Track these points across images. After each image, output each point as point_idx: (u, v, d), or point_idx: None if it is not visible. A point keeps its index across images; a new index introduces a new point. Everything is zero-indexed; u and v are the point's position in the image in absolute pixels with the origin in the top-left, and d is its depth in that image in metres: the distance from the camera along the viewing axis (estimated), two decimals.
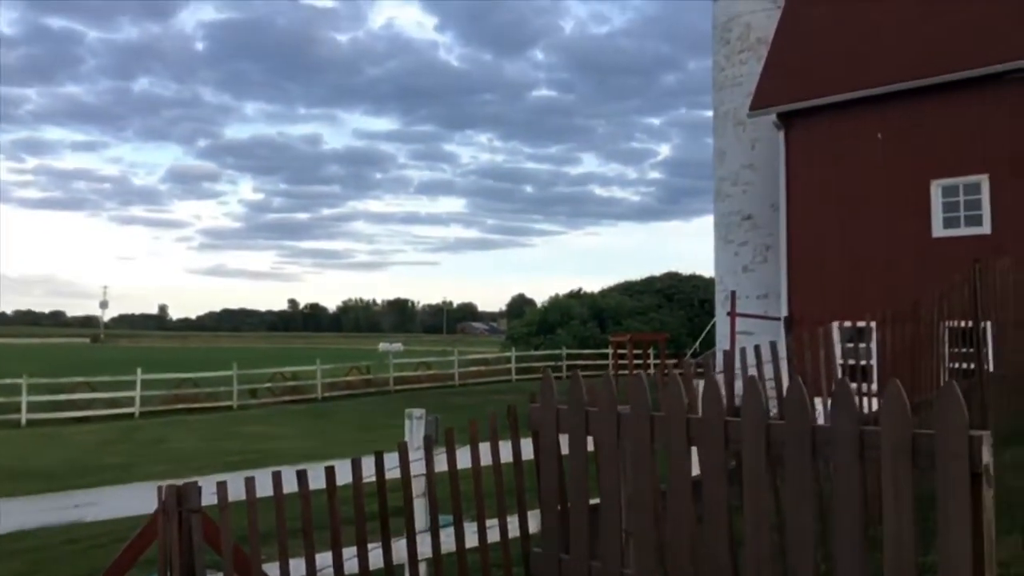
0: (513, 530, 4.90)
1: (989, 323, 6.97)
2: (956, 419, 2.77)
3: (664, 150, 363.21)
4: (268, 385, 32.91)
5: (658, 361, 27.53)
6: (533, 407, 4.40)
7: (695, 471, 3.71)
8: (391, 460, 4.58)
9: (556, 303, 52.64)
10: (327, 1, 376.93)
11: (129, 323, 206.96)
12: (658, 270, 58.25)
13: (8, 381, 26.91)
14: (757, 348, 5.25)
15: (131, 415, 27.59)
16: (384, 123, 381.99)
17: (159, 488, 4.12)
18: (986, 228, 16.18)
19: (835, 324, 7.30)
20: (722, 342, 22.19)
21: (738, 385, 4.38)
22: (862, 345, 6.21)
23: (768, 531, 3.37)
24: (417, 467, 4.87)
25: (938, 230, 16.85)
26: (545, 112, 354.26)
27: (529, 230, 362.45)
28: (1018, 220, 15.69)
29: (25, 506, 5.03)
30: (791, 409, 3.25)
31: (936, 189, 16.90)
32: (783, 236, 19.32)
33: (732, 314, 19.36)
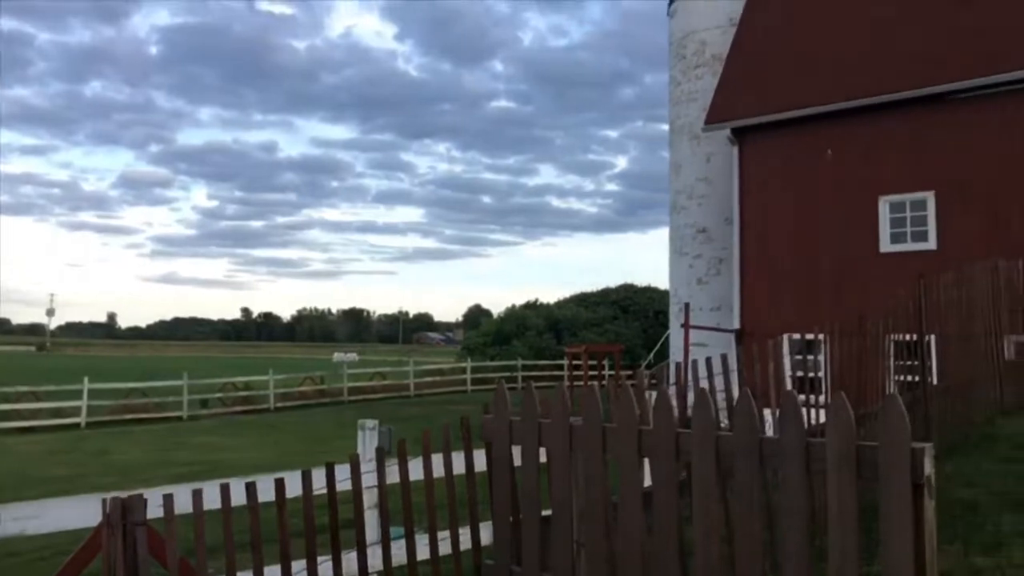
0: (465, 542, 4.89)
1: (933, 336, 7.14)
2: (899, 431, 2.83)
3: (621, 162, 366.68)
4: (219, 395, 32.40)
5: (613, 372, 27.68)
6: (486, 418, 4.40)
7: (648, 482, 3.74)
8: (343, 472, 4.54)
9: (512, 314, 52.68)
10: (285, 8, 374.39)
11: (76, 331, 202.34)
12: (614, 282, 58.63)
13: None
14: (708, 360, 5.31)
15: (77, 425, 26.96)
16: (341, 131, 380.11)
17: (104, 500, 4.04)
18: (932, 244, 16.58)
19: (785, 336, 7.43)
20: (676, 354, 22.40)
21: (691, 397, 4.43)
22: (811, 357, 6.32)
23: (718, 541, 3.40)
24: (369, 479, 4.83)
25: (886, 245, 17.23)
26: (503, 123, 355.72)
27: (486, 240, 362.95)
28: (962, 236, 16.11)
29: None
30: (740, 421, 3.30)
31: (884, 205, 17.29)
32: (736, 249, 19.60)
33: (686, 326, 19.54)
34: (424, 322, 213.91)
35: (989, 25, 16.55)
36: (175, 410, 29.43)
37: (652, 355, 33.93)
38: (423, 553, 4.83)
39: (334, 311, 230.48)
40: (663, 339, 29.39)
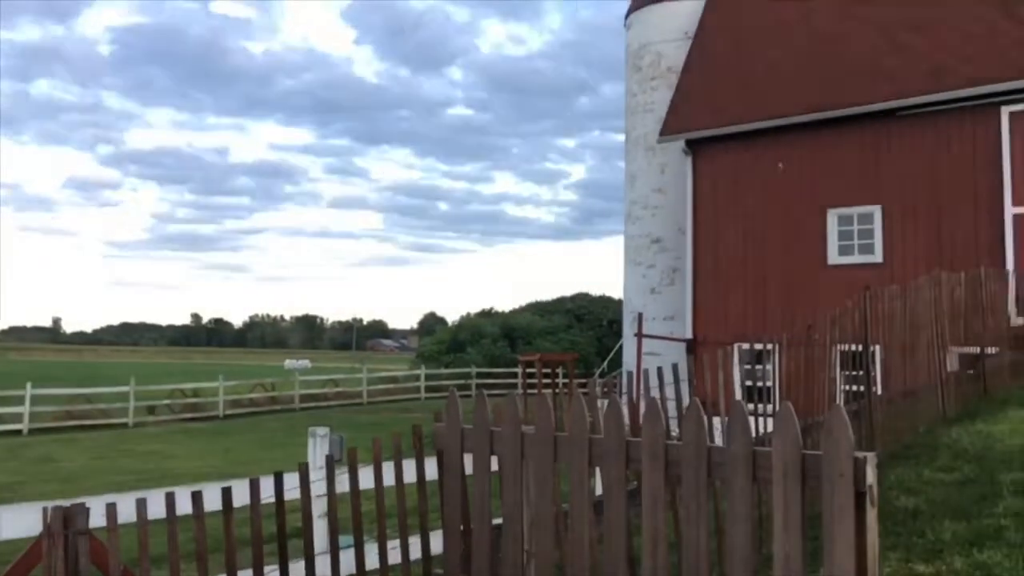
0: (415, 551, 4.86)
1: (878, 347, 7.30)
2: (842, 441, 2.89)
3: (578, 172, 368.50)
4: (167, 402, 31.79)
5: (567, 381, 27.79)
6: (438, 427, 4.39)
7: (600, 491, 3.76)
8: (292, 480, 4.49)
9: (467, 322, 52.69)
10: (241, 11, 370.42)
11: (19, 336, 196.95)
12: (570, 290, 59.02)
13: None
14: (659, 370, 5.36)
15: (19, 432, 26.23)
16: (297, 136, 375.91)
17: (45, 509, 3.95)
18: (878, 257, 16.96)
19: (736, 346, 7.53)
20: (629, 363, 22.57)
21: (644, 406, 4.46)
22: (759, 367, 6.41)
23: (666, 549, 3.43)
24: (319, 487, 4.78)
25: (834, 257, 17.58)
26: (461, 130, 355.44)
27: (442, 248, 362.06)
28: (906, 249, 16.52)
29: None
30: (688, 430, 3.33)
31: (832, 218, 17.64)
32: (689, 259, 19.84)
33: (639, 335, 19.71)
34: (378, 329, 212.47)
35: (936, 44, 17.02)
36: (121, 417, 28.80)
37: (606, 364, 34.12)
38: (372, 562, 4.79)
39: (286, 317, 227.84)
40: (617, 348, 29.60)
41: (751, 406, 6.08)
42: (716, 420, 4.87)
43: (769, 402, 6.19)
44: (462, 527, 4.27)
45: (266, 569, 4.33)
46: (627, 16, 25.03)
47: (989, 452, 6.31)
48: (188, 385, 34.29)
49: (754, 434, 5.33)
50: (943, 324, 8.43)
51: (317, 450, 5.79)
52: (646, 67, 23.84)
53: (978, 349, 9.28)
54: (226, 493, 4.24)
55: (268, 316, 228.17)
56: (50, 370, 61.81)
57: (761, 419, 5.82)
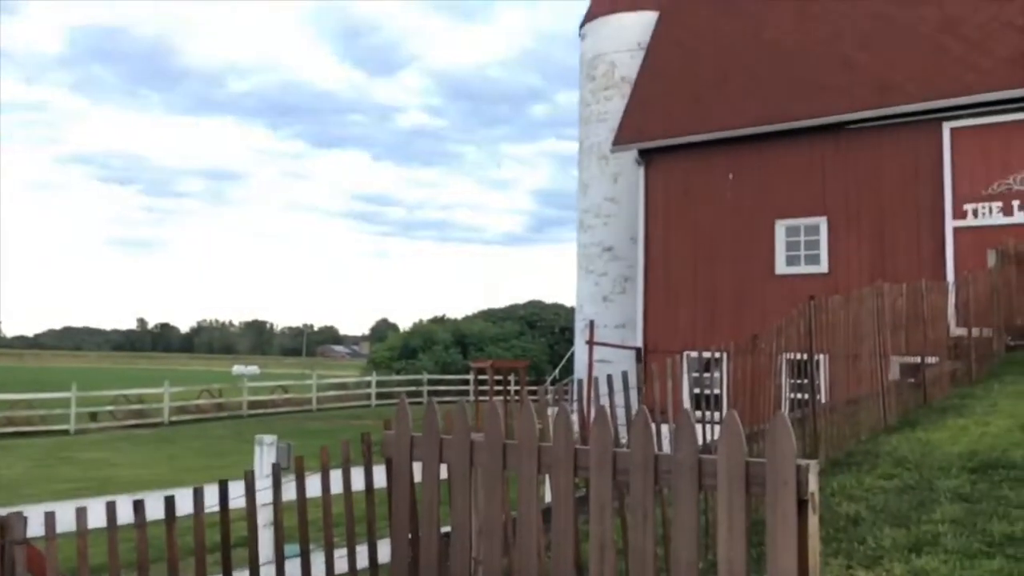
0: (362, 560, 4.82)
1: (824, 356, 7.44)
2: (785, 449, 2.93)
3: (532, 179, 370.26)
4: (110, 408, 31.07)
5: (519, 388, 27.81)
6: (387, 434, 4.37)
7: (550, 498, 3.77)
8: (238, 489, 4.43)
9: (419, 328, 52.46)
10: (192, 10, 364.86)
11: None
12: (522, 297, 59.24)
13: None
14: (609, 377, 5.40)
15: None
16: (249, 138, 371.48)
17: None
18: (823, 267, 17.31)
19: (686, 354, 7.62)
20: (581, 370, 22.68)
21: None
22: (707, 375, 6.50)
23: (613, 555, 3.45)
24: (265, 496, 4.72)
25: (781, 267, 17.89)
26: (416, 135, 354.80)
27: (395, 253, 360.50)
28: (851, 260, 16.89)
29: None
30: (636, 438, 3.36)
31: (780, 228, 17.96)
32: (640, 268, 20.03)
33: (591, 343, 19.83)
34: (329, 335, 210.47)
35: (881, 60, 17.44)
36: (62, 423, 28.07)
37: (558, 371, 34.26)
38: (319, 572, 4.74)
39: (235, 322, 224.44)
40: (568, 355, 29.72)
41: (699, 414, 6.15)
42: (665, 428, 4.92)
43: (717, 410, 6.27)
44: (410, 535, 4.25)
45: None
46: (582, 26, 25.23)
47: (928, 460, 6.47)
48: (132, 391, 33.56)
49: (702, 441, 5.40)
50: (885, 334, 8.63)
51: (264, 458, 5.72)
52: (600, 77, 24.05)
53: (919, 359, 9.51)
54: (169, 502, 4.17)
55: (216, 321, 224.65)
56: None
57: (709, 426, 5.89)
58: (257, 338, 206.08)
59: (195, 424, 30.02)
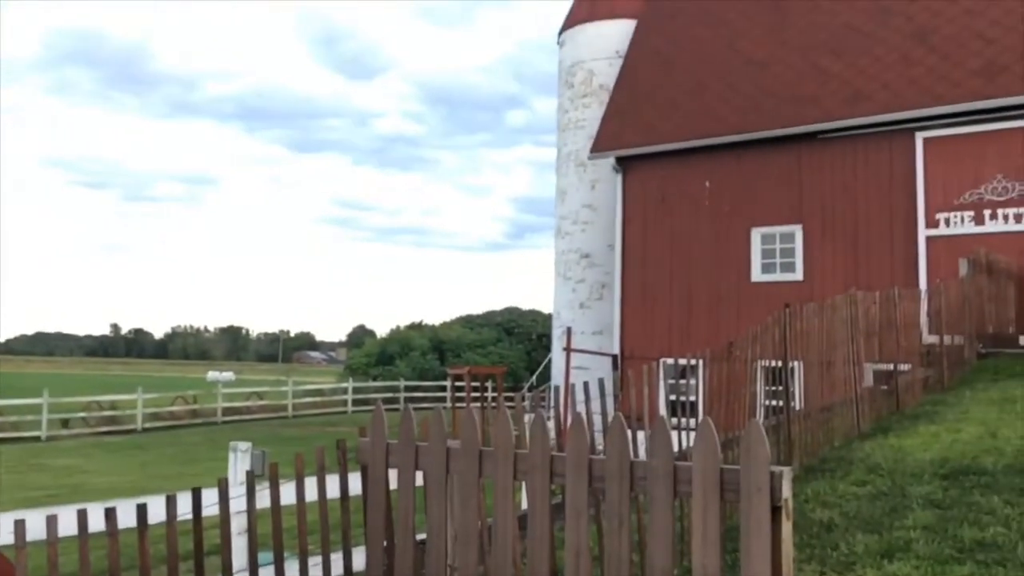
0: (337, 567, 4.79)
1: (799, 363, 7.50)
2: (760, 455, 2.96)
3: (511, 186, 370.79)
4: (82, 415, 30.69)
5: (496, 394, 27.80)
6: (362, 441, 4.35)
7: (526, 505, 3.77)
8: (211, 496, 4.38)
9: (397, 334, 52.35)
10: (169, 14, 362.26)
11: None
12: (500, 304, 59.23)
13: None
14: (586, 384, 5.41)
15: None
16: (227, 142, 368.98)
17: None
18: (799, 275, 17.46)
19: (661, 361, 7.65)
20: (558, 377, 22.70)
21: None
22: (683, 381, 6.52)
23: (588, 562, 3.46)
24: (238, 503, 4.68)
25: (757, 275, 18.03)
26: (394, 141, 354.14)
27: (374, 259, 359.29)
28: (825, 268, 17.05)
29: None
30: (611, 445, 3.37)
31: (756, 236, 18.10)
32: (617, 275, 20.10)
33: (568, 349, 19.86)
34: (306, 341, 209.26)
35: (855, 70, 17.65)
36: (33, 430, 27.69)
37: (535, 378, 34.26)
38: None
39: (210, 328, 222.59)
40: (546, 362, 29.75)
41: (675, 420, 6.18)
42: (641, 434, 4.94)
43: (693, 416, 6.30)
44: (385, 543, 4.23)
45: None
46: (560, 33, 25.32)
47: (900, 466, 6.53)
48: (105, 397, 33.19)
49: (678, 448, 5.42)
50: (859, 341, 8.71)
51: (238, 465, 5.67)
52: (578, 84, 24.14)
53: (892, 366, 9.61)
54: (141, 509, 4.12)
55: (191, 327, 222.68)
56: None
57: (685, 433, 5.91)
58: (232, 344, 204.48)
59: (169, 431, 29.73)
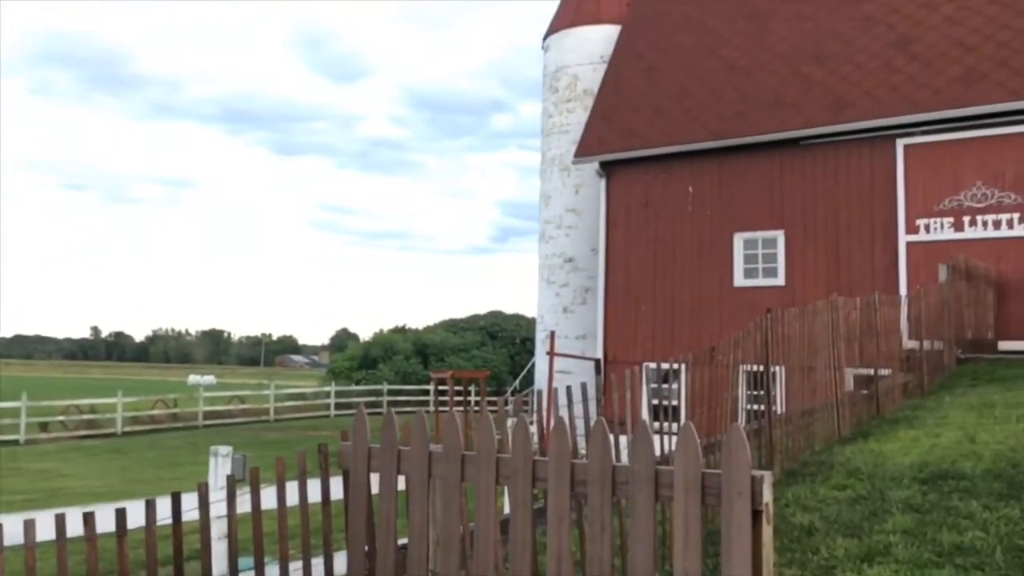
0: (318, 573, 4.77)
1: (780, 368, 7.54)
2: (740, 459, 2.97)
3: (495, 189, 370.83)
4: (61, 418, 30.41)
5: (479, 398, 27.78)
6: (344, 445, 4.33)
7: (508, 509, 3.77)
8: (191, 501, 4.36)
9: (380, 338, 52.15)
10: (151, 15, 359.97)
11: None
12: (484, 308, 59.27)
13: None
14: (568, 388, 5.42)
15: None
16: (209, 145, 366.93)
17: None
18: (780, 280, 17.55)
19: (644, 365, 7.67)
20: (541, 381, 22.71)
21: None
22: (666, 386, 6.54)
23: (570, 566, 3.46)
24: (219, 508, 4.65)
25: (739, 280, 18.11)
26: (379, 144, 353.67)
27: (357, 262, 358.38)
28: (807, 273, 17.16)
29: None
30: (593, 449, 3.37)
31: (739, 241, 18.19)
32: (601, 279, 20.14)
33: (551, 354, 19.86)
34: (288, 344, 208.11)
35: (837, 77, 17.78)
36: (11, 433, 27.42)
37: (518, 382, 34.27)
38: None
39: (191, 331, 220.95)
40: (529, 366, 29.76)
41: (658, 424, 6.19)
42: (624, 439, 4.95)
43: (676, 420, 6.32)
44: (367, 547, 4.22)
45: None
46: (545, 38, 25.37)
47: (880, 470, 6.58)
48: (84, 401, 32.89)
49: (661, 452, 5.43)
50: (839, 346, 8.77)
51: (219, 469, 5.63)
52: (562, 89, 24.20)
53: (872, 370, 9.68)
54: (120, 514, 4.09)
55: (172, 330, 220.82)
56: None
57: (667, 437, 5.93)
58: (214, 347, 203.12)
59: (149, 435, 29.50)
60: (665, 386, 6.57)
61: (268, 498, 4.76)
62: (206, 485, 4.50)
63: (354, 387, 41.85)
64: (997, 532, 4.94)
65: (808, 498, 6.00)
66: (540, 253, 24.68)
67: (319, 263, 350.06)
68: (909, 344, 11.23)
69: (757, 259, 17.98)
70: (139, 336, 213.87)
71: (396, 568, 4.04)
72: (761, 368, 7.19)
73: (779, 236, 17.71)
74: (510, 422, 4.28)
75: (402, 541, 4.06)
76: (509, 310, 54.77)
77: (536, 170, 25.58)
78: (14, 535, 3.87)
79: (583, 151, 20.56)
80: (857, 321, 9.41)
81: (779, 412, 7.31)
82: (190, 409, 33.80)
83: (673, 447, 4.53)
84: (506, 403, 5.21)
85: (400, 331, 56.12)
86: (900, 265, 16.23)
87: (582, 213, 23.00)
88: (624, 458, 4.25)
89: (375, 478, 4.20)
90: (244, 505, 4.70)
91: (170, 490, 4.40)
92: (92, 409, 31.93)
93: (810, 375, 8.00)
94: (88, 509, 4.21)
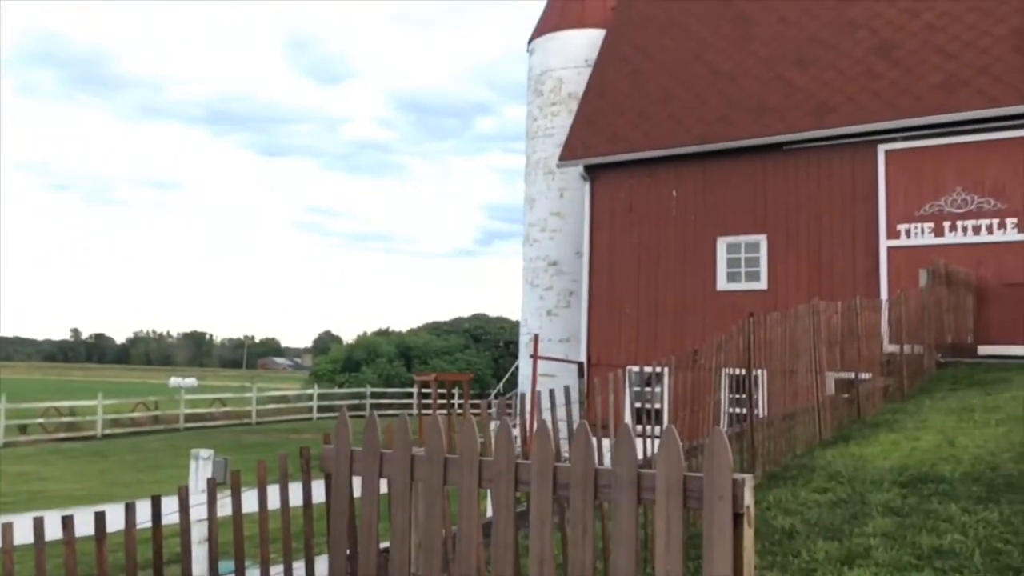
0: None
1: (762, 371, 7.57)
2: (722, 463, 2.98)
3: (480, 192, 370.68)
4: (40, 420, 30.13)
5: (462, 401, 27.73)
6: (326, 448, 4.31)
7: (491, 512, 3.76)
8: (171, 504, 4.33)
9: (363, 341, 52.01)
10: (134, 15, 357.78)
11: None
12: (468, 311, 59.25)
13: None
14: (551, 392, 5.42)
15: None
16: (193, 146, 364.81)
17: None
18: (763, 284, 17.64)
19: (628, 368, 7.69)
20: (525, 384, 22.71)
21: None
22: (648, 389, 6.56)
23: (553, 569, 3.46)
24: (199, 511, 4.62)
25: (722, 284, 18.19)
26: (364, 147, 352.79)
27: (341, 265, 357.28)
28: (789, 277, 17.25)
29: None
30: (576, 452, 3.38)
31: (722, 245, 18.27)
32: (585, 283, 20.17)
33: (535, 357, 19.87)
34: (271, 347, 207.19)
35: (819, 82, 17.90)
36: None
37: (502, 385, 34.26)
38: None
39: (173, 333, 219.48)
40: (513, 369, 29.76)
41: (640, 428, 6.21)
42: (607, 442, 4.96)
43: (658, 424, 6.33)
44: (349, 551, 4.20)
45: None
46: (530, 42, 25.40)
47: (861, 474, 6.62)
48: (64, 403, 32.61)
49: (643, 455, 5.45)
50: (821, 350, 8.82)
51: (199, 472, 5.60)
52: (547, 92, 24.23)
53: (853, 374, 9.74)
54: (99, 517, 4.05)
55: (153, 332, 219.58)
56: None
57: (650, 440, 5.95)
58: (196, 350, 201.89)
59: (130, 438, 29.28)
60: (648, 389, 6.59)
61: (249, 502, 4.73)
62: (187, 488, 4.47)
63: (337, 390, 41.72)
64: (976, 535, 4.98)
65: (789, 501, 6.03)
66: (524, 256, 24.68)
67: (303, 265, 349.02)
68: (890, 348, 11.31)
69: (740, 263, 18.05)
70: (120, 338, 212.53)
71: (378, 572, 4.03)
72: (743, 372, 7.22)
73: (762, 240, 17.80)
74: (493, 425, 4.27)
75: (384, 545, 4.05)
76: (493, 313, 54.88)
77: (521, 173, 25.60)
78: None
79: (568, 155, 20.59)
80: (838, 325, 9.48)
81: (761, 416, 7.34)
82: (171, 411, 33.57)
83: (656, 450, 4.55)
84: (489, 406, 5.21)
85: (383, 334, 55.97)
86: (881, 270, 16.34)
87: (566, 217, 23.03)
88: (607, 461, 4.26)
89: (357, 481, 4.19)
90: (225, 508, 4.67)
91: (150, 493, 4.37)
92: (72, 411, 31.66)
93: (792, 379, 8.04)
94: (67, 512, 4.18)
